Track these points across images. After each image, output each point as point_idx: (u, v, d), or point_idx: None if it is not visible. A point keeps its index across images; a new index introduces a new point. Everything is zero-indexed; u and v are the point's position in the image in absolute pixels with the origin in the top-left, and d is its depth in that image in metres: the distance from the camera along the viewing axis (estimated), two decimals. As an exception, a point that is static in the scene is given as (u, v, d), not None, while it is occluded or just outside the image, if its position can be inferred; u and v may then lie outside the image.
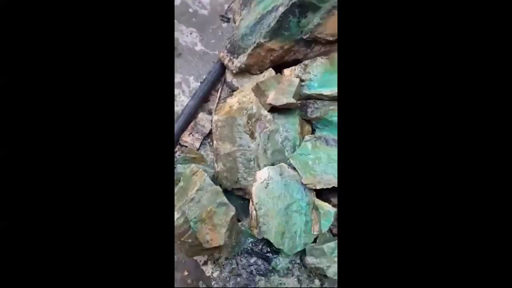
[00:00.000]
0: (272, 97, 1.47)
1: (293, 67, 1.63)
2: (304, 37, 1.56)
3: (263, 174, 1.40)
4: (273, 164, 1.46)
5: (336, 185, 1.34)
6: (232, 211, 1.21)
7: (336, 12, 1.45)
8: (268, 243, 1.31)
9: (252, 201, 1.35)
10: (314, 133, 1.51)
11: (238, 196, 1.60)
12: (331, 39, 1.56)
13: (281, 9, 1.49)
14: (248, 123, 1.60)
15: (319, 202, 1.30)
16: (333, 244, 1.18)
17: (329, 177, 1.35)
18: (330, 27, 1.52)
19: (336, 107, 1.48)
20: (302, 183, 1.35)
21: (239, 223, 1.44)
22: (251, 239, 1.36)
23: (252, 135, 1.58)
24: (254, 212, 1.33)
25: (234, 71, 1.75)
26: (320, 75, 1.55)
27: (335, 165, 1.37)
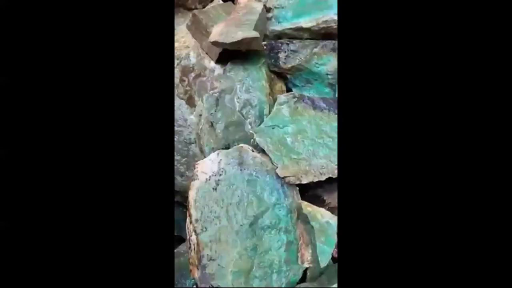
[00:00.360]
0: (219, 31, 0.85)
1: (253, -9, 1.01)
2: None
3: (209, 165, 0.81)
4: (226, 148, 0.86)
5: (334, 176, 0.79)
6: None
7: None
8: None
9: (190, 216, 0.75)
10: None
11: (175, 203, 0.98)
12: None
13: None
14: (184, 81, 0.97)
15: (309, 209, 0.74)
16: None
17: (322, 163, 0.80)
18: None
19: (324, 49, 0.91)
20: (277, 176, 0.77)
21: (176, 250, 0.84)
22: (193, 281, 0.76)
23: (190, 101, 0.96)
24: (193, 236, 0.73)
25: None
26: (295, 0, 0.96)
27: (331, 141, 0.82)
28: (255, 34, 0.83)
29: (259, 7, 0.93)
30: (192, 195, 0.77)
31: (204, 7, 1.12)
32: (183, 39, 1.04)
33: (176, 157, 0.95)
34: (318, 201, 0.82)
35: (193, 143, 0.96)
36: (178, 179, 0.95)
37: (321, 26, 0.92)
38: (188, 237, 0.75)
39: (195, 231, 0.73)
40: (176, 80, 0.98)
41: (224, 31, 0.86)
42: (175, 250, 0.87)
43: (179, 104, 0.96)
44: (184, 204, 0.98)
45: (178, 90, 0.98)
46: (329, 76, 0.94)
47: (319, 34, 0.95)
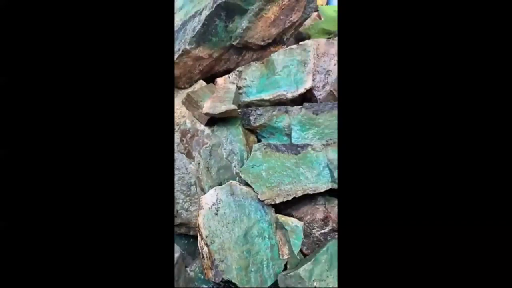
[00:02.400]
0: (209, 106, 1.25)
1: (227, 76, 1.48)
2: (234, 43, 1.44)
3: (210, 198, 1.12)
4: (220, 184, 1.20)
5: (296, 195, 1.15)
6: (176, 253, 0.88)
7: (264, 14, 1.38)
8: (229, 284, 1.00)
9: (201, 235, 1.04)
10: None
11: (180, 235, 1.25)
12: (262, 43, 1.49)
13: (206, 12, 1.35)
14: (183, 140, 1.32)
15: (283, 218, 1.09)
16: (310, 265, 0.96)
17: (288, 188, 1.16)
18: (259, 31, 1.44)
19: (279, 112, 1.35)
20: (258, 200, 1.12)
21: (186, 269, 1.09)
22: (206, 286, 1.02)
23: (189, 155, 1.30)
24: (205, 248, 1.01)
25: (157, 86, 1.49)
26: (257, 80, 1.43)
27: (291, 172, 1.20)
28: (233, 107, 1.25)
29: (233, 87, 1.38)
30: (200, 220, 1.07)
31: (190, 86, 1.53)
32: (179, 111, 1.42)
33: (181, 197, 1.26)
34: (287, 215, 1.17)
35: (193, 185, 1.28)
36: (183, 213, 1.24)
37: (276, 98, 1.38)
38: (200, 250, 1.03)
39: (206, 244, 1.02)
40: (177, 140, 1.33)
41: (212, 105, 1.27)
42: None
43: (181, 157, 1.30)
44: (189, 235, 1.25)
45: (179, 147, 1.32)
46: (285, 129, 1.36)
47: (274, 103, 1.40)
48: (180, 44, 1.40)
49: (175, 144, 1.31)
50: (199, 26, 1.35)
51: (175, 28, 1.43)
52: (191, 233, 1.24)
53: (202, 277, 1.06)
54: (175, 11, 1.51)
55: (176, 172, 1.27)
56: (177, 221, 1.23)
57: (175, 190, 1.25)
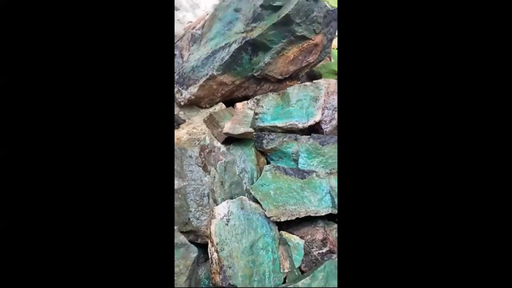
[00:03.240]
0: (229, 127, 1.40)
1: (245, 101, 1.65)
2: (255, 74, 1.63)
3: (222, 209, 1.24)
4: (231, 198, 1.32)
5: (299, 216, 1.28)
6: (194, 253, 0.98)
7: (285, 53, 1.59)
8: (232, 292, 1.09)
9: (212, 242, 1.15)
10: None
11: (189, 242, 1.34)
12: (280, 77, 1.68)
13: (235, 46, 1.54)
14: (201, 155, 1.46)
15: (286, 235, 1.20)
16: (308, 280, 1.07)
17: (292, 208, 1.29)
18: (279, 67, 1.64)
19: (289, 139, 1.51)
20: (265, 216, 1.24)
21: (198, 271, 1.18)
22: (211, 291, 1.11)
23: (205, 168, 1.43)
24: (215, 254, 1.12)
25: (182, 103, 1.65)
26: (273, 109, 1.60)
27: (296, 194, 1.34)
28: (251, 130, 1.41)
29: (251, 113, 1.54)
30: (212, 228, 1.18)
31: (211, 106, 1.70)
32: (200, 127, 1.57)
33: (193, 206, 1.37)
34: (290, 232, 1.28)
35: (205, 196, 1.39)
36: (194, 221, 1.34)
37: (288, 126, 1.54)
38: (210, 256, 1.13)
39: (216, 250, 1.12)
40: (196, 154, 1.46)
41: (232, 126, 1.42)
42: None
43: (198, 170, 1.43)
44: (197, 243, 1.34)
45: (197, 160, 1.46)
46: (293, 155, 1.51)
47: (286, 130, 1.56)
48: (208, 69, 1.58)
49: (194, 157, 1.44)
50: (227, 57, 1.54)
51: (206, 55, 1.62)
52: (199, 240, 1.33)
53: (206, 282, 1.15)
54: (207, 40, 1.71)
55: (192, 182, 1.39)
56: (188, 228, 1.33)
57: (189, 199, 1.36)
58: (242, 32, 1.56)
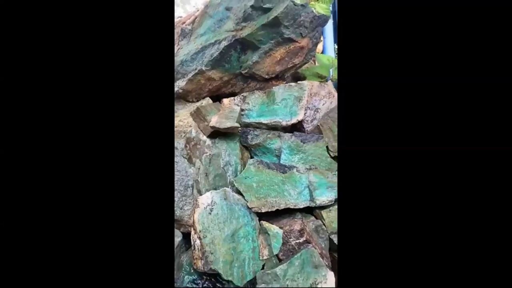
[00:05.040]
0: (216, 121, 1.45)
1: (232, 98, 1.70)
2: (243, 72, 1.69)
3: (206, 199, 1.28)
4: (215, 189, 1.37)
5: (279, 208, 1.35)
6: (177, 237, 1.02)
7: (272, 53, 1.66)
8: (210, 277, 1.14)
9: (195, 229, 1.19)
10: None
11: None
12: (266, 76, 1.74)
13: (224, 43, 1.59)
14: (186, 147, 1.49)
15: (266, 225, 1.27)
16: (285, 266, 1.14)
17: (273, 200, 1.36)
18: (266, 66, 1.71)
19: (273, 135, 1.58)
20: (247, 207, 1.30)
21: (181, 256, 1.22)
22: (190, 277, 1.15)
23: (190, 160, 1.47)
24: (198, 241, 1.16)
25: (169, 96, 1.67)
26: (258, 106, 1.67)
27: (277, 188, 1.41)
28: (237, 124, 1.46)
29: (237, 108, 1.59)
30: (196, 216, 1.23)
31: (198, 101, 1.73)
32: (186, 120, 1.60)
33: (177, 196, 1.40)
34: (270, 222, 1.35)
35: (189, 187, 1.43)
36: (177, 210, 1.38)
37: (272, 123, 1.61)
38: (192, 242, 1.17)
39: (199, 237, 1.17)
40: (182, 146, 1.50)
41: (218, 120, 1.47)
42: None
43: (183, 161, 1.47)
44: (179, 231, 1.38)
45: (182, 152, 1.49)
46: (276, 151, 1.58)
47: (270, 127, 1.63)
48: (198, 64, 1.62)
49: (179, 149, 1.47)
50: (217, 53, 1.59)
51: (195, 51, 1.65)
52: (182, 230, 1.37)
53: (188, 268, 1.19)
54: (196, 36, 1.75)
55: (176, 173, 1.42)
56: (171, 217, 1.37)
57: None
58: (232, 31, 1.61)
